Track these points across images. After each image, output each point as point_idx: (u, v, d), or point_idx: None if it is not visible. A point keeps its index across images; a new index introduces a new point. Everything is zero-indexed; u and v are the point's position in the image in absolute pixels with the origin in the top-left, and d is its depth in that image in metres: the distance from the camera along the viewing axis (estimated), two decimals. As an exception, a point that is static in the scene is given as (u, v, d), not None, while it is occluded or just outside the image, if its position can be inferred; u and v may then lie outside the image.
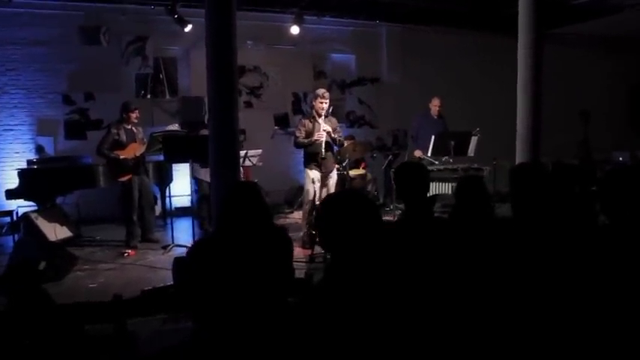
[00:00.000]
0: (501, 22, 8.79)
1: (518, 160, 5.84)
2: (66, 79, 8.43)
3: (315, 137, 6.22)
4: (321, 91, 6.35)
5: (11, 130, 8.19)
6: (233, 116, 5.20)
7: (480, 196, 3.18)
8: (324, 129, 6.20)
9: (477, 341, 2.44)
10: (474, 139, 6.75)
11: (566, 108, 10.46)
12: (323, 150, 6.20)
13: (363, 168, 9.06)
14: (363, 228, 1.89)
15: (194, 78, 9.24)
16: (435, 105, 7.79)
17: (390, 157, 8.75)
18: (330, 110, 6.39)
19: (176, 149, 6.03)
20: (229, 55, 5.12)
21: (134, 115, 6.65)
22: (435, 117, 7.81)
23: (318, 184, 6.16)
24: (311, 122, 6.35)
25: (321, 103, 6.22)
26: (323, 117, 6.28)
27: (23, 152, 8.18)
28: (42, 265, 5.24)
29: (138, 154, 6.60)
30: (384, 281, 2.59)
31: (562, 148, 10.52)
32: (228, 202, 2.78)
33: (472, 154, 6.84)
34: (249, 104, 9.68)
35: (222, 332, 2.41)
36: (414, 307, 2.42)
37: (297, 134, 6.38)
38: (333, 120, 6.59)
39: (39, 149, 8.24)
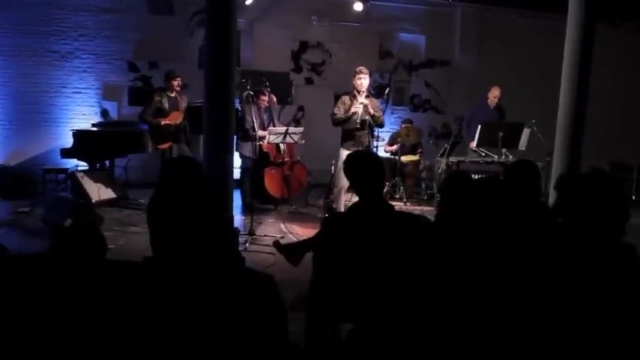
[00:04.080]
0: (594, 6, 7.91)
1: (555, 160, 5.28)
2: (132, 47, 8.70)
3: (352, 110, 6.02)
4: (359, 67, 6.14)
5: (80, 92, 8.60)
6: (229, 92, 5.13)
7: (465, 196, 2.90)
8: (361, 102, 6.00)
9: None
10: (526, 132, 6.16)
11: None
12: (359, 121, 5.98)
13: (419, 154, 8.66)
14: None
15: (257, 51, 9.26)
16: (494, 95, 7.23)
17: (447, 145, 8.24)
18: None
19: (199, 120, 5.98)
20: (227, 31, 4.98)
21: (176, 83, 6.74)
22: (492, 107, 7.23)
23: None
24: (350, 100, 6.18)
25: (360, 79, 6.04)
26: (364, 95, 6.11)
27: (89, 114, 8.57)
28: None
29: (178, 123, 6.69)
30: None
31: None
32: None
33: (523, 148, 6.27)
34: (309, 81, 9.56)
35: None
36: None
37: (335, 111, 6.21)
38: (374, 100, 6.35)
39: (104, 113, 8.61)
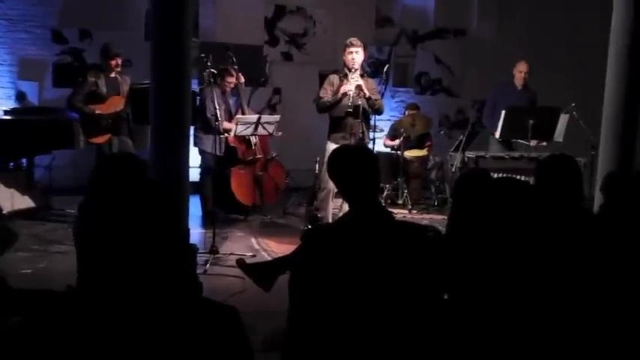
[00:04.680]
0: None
1: (602, 155, 5.32)
2: (58, 11, 8.56)
3: (342, 90, 6.06)
4: (350, 39, 6.19)
5: (-12, 70, 8.50)
6: (183, 70, 5.13)
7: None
8: (353, 81, 6.04)
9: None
10: (563, 119, 6.19)
11: None
12: (350, 103, 5.99)
13: (427, 148, 8.68)
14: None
15: (220, 18, 9.21)
16: (520, 71, 7.29)
17: (462, 136, 8.28)
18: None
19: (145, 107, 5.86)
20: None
21: (114, 63, 6.76)
22: (520, 88, 7.28)
23: None
24: (340, 80, 6.25)
25: (351, 54, 6.10)
26: (357, 74, 6.16)
27: (1, 98, 8.44)
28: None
29: (118, 110, 6.65)
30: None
31: None
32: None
33: (560, 140, 6.31)
34: (287, 56, 9.60)
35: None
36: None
37: (322, 94, 6.27)
38: (370, 80, 6.45)
39: (20, 96, 8.45)
